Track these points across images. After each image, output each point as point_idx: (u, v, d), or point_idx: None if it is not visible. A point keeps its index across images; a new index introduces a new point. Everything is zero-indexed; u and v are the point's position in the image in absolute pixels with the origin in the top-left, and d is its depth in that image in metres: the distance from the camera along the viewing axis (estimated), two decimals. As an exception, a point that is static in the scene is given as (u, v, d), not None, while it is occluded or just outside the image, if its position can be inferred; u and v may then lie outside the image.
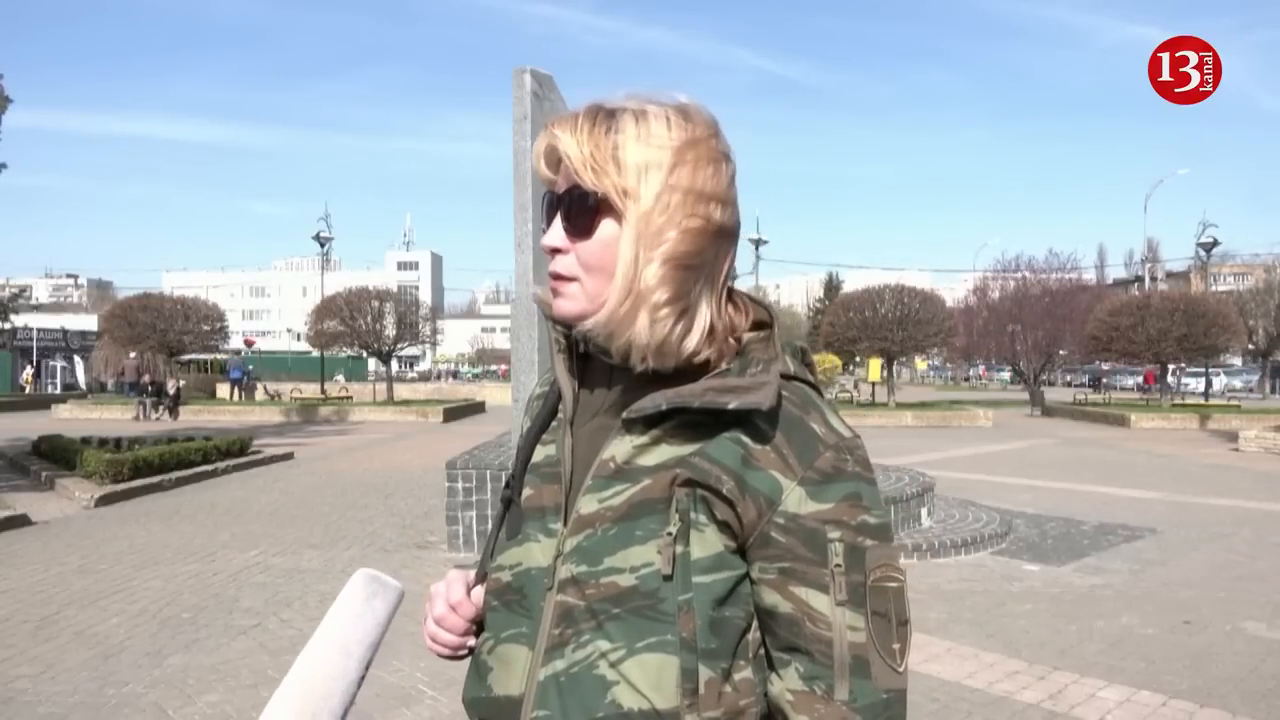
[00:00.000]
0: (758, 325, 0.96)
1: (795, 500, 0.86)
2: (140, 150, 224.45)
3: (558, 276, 0.92)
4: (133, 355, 27.85)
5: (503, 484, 1.03)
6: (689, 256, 0.88)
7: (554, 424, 1.00)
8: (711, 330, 0.91)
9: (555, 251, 0.91)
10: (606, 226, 0.88)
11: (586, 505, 0.90)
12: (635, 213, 0.87)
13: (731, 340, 0.94)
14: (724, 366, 0.92)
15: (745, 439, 0.87)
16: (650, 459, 0.89)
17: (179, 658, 4.64)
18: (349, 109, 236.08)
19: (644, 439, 0.90)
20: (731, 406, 0.86)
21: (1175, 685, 4.26)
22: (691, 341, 0.89)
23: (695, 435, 0.88)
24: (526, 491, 0.98)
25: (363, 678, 0.97)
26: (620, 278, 0.87)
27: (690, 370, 0.90)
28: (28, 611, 5.54)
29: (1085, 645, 4.87)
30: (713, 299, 0.91)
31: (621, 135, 0.87)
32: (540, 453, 1.00)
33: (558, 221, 0.91)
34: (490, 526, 6.32)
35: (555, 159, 0.92)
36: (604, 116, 0.88)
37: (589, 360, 0.99)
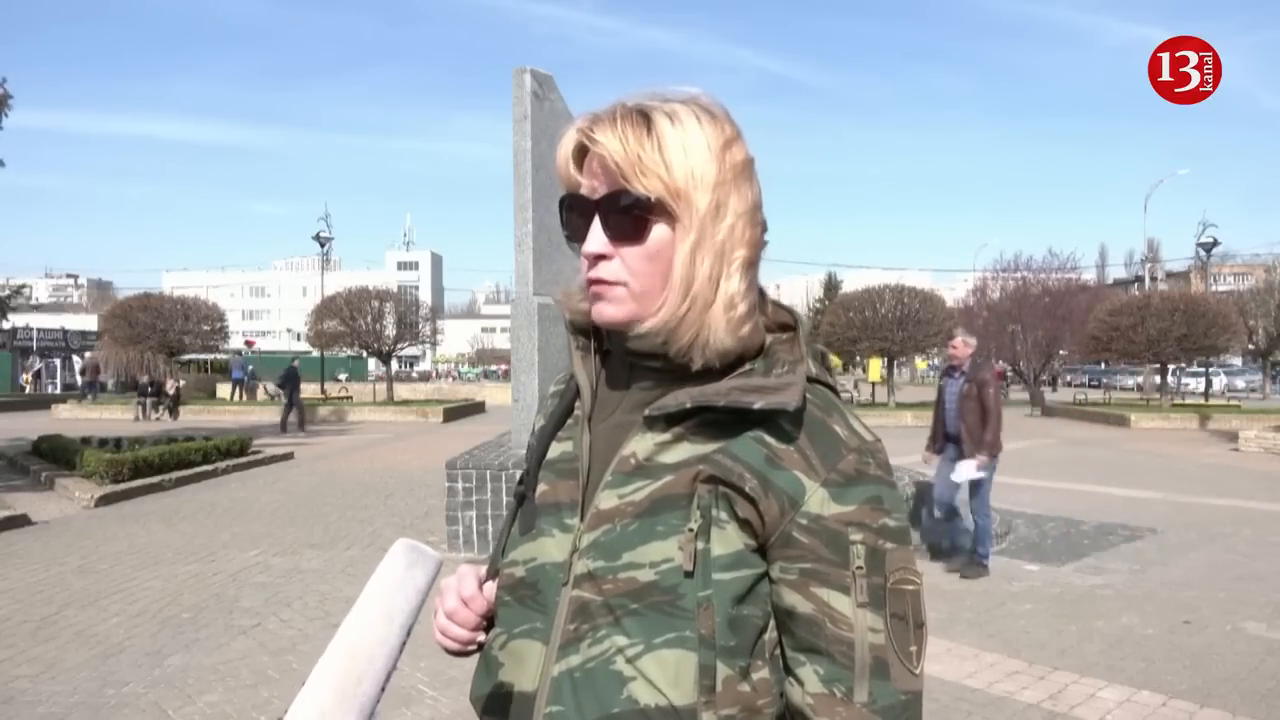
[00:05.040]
0: (781, 327, 0.97)
1: (818, 501, 0.86)
2: (141, 150, 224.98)
3: (602, 282, 0.90)
4: (89, 354, 27.87)
5: (516, 481, 1.04)
6: (755, 265, 0.90)
7: (570, 421, 1.00)
8: None
9: (598, 258, 0.90)
10: (659, 230, 0.88)
11: (606, 500, 0.90)
12: (690, 215, 0.87)
13: (758, 339, 0.94)
14: (748, 366, 0.92)
15: (769, 439, 0.88)
16: (671, 456, 0.89)
17: (179, 658, 4.64)
18: (349, 109, 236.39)
19: (665, 436, 0.90)
20: (758, 406, 0.86)
21: (1175, 685, 4.26)
22: (754, 342, 0.92)
23: (718, 434, 0.88)
24: (541, 487, 0.98)
25: (404, 644, 0.99)
26: (680, 281, 0.87)
27: (715, 368, 0.91)
28: (28, 611, 5.54)
29: (1085, 645, 4.87)
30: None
31: (663, 136, 0.87)
32: (556, 449, 1.00)
33: (597, 226, 0.89)
34: (495, 524, 6.30)
35: (582, 159, 0.91)
36: (638, 117, 0.88)
37: (606, 358, 1.00)
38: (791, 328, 0.96)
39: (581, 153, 0.91)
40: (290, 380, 20.36)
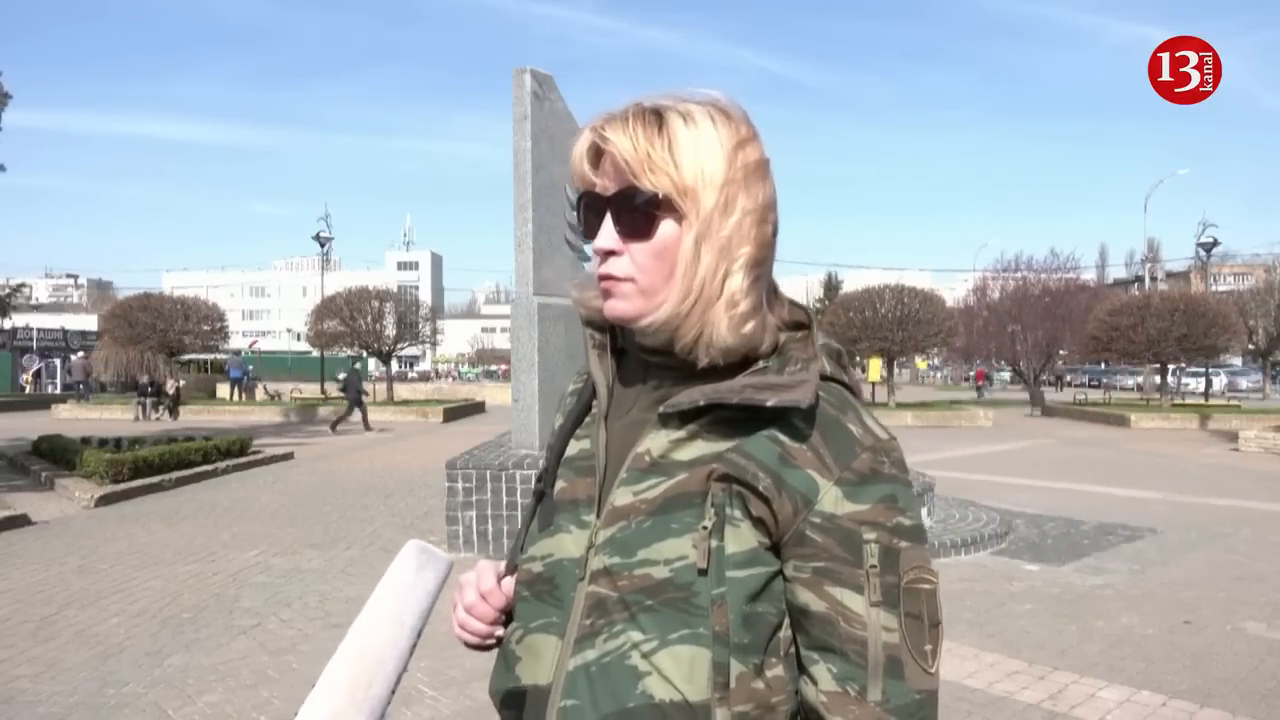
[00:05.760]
0: (795, 325, 0.97)
1: (832, 500, 0.86)
2: (141, 150, 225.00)
3: (612, 278, 0.92)
4: (79, 354, 27.95)
5: (535, 478, 1.05)
6: (764, 264, 0.91)
7: (588, 419, 1.01)
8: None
9: (609, 254, 0.91)
10: (666, 227, 0.89)
11: (621, 497, 0.91)
12: (697, 213, 0.88)
13: (769, 338, 0.94)
14: (761, 364, 0.92)
15: (782, 437, 0.88)
16: (686, 454, 0.90)
17: (179, 658, 4.64)
18: (349, 109, 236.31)
19: (680, 434, 0.90)
20: (770, 404, 0.86)
21: (1175, 685, 4.26)
22: (759, 340, 0.92)
23: (732, 431, 0.89)
24: (559, 484, 0.99)
25: (414, 646, 1.00)
26: (681, 277, 0.88)
27: (729, 365, 0.91)
28: (28, 611, 5.54)
29: (1085, 645, 4.87)
30: (765, 296, 0.94)
31: (674, 135, 0.88)
32: (574, 447, 1.01)
33: (608, 223, 0.91)
34: (495, 524, 6.29)
35: (597, 158, 0.92)
36: (651, 116, 0.89)
37: (623, 356, 1.01)
38: (806, 326, 0.97)
39: (597, 152, 0.92)
40: (351, 382, 20.90)
